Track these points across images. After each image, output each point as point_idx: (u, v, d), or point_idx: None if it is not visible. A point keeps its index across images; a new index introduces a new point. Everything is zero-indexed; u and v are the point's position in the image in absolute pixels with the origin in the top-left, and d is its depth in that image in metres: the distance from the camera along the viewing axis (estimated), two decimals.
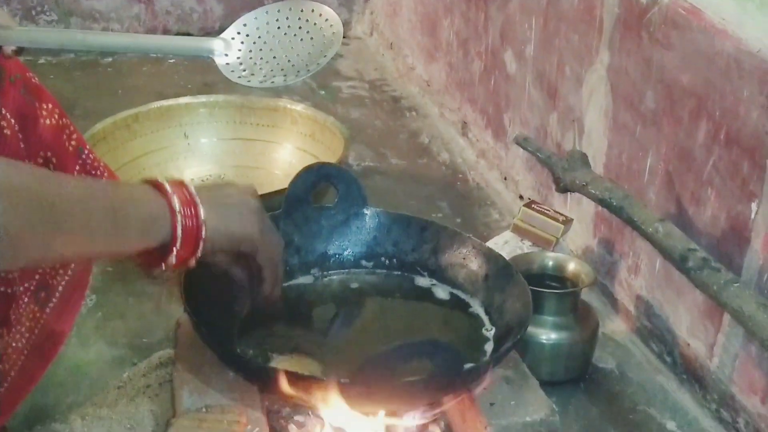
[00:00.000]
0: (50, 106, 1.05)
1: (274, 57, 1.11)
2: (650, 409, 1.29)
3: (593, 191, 1.21)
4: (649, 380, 1.35)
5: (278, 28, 1.13)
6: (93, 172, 1.10)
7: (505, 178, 1.90)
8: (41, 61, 2.42)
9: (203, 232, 0.92)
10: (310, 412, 1.05)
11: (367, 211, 1.28)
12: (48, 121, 1.04)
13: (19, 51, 1.02)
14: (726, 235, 1.20)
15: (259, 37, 1.12)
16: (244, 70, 1.10)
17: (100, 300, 1.46)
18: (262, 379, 1.03)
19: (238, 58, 1.10)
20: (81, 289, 1.12)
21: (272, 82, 1.11)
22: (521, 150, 1.81)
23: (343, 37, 1.16)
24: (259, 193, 1.50)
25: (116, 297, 1.48)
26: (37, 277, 1.05)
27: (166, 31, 2.68)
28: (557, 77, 1.63)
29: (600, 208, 1.51)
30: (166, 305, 1.46)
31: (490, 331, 1.15)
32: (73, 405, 1.23)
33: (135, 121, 1.81)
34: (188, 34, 2.72)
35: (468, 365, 0.99)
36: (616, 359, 1.39)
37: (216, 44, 1.10)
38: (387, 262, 1.27)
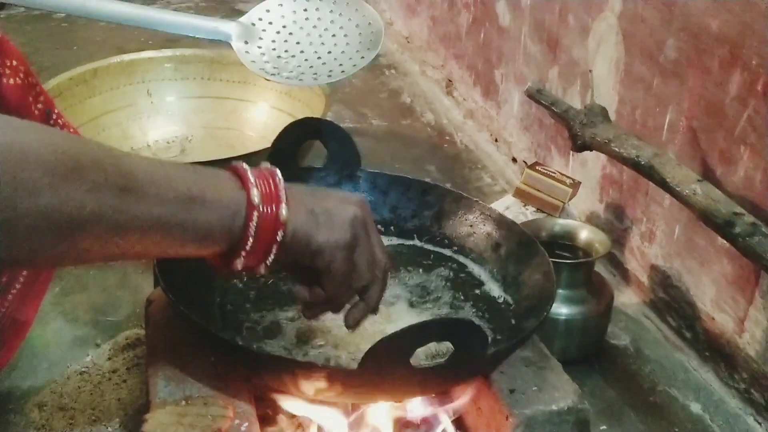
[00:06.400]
0: (14, 62, 0.91)
1: (302, 51, 0.99)
2: (671, 390, 1.18)
3: (617, 149, 1.07)
4: (667, 358, 1.24)
5: (307, 19, 1.01)
6: None
7: (497, 140, 1.76)
8: None
9: (279, 235, 0.74)
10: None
11: (361, 173, 1.14)
12: (12, 81, 0.90)
13: (1, 6, 0.88)
14: (762, 197, 1.07)
15: (284, 26, 1.00)
16: (267, 62, 0.97)
17: (58, 272, 1.31)
18: (255, 367, 0.88)
19: (260, 47, 0.98)
20: (47, 272, 0.98)
21: (300, 79, 0.97)
22: (514, 109, 1.69)
23: None
24: (233, 155, 1.37)
25: (76, 268, 1.34)
26: None
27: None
28: (559, 27, 1.50)
29: (608, 169, 1.39)
30: (132, 277, 1.32)
31: (508, 307, 1.01)
32: (29, 392, 1.09)
33: (94, 77, 1.66)
34: None
35: (493, 348, 0.85)
36: (629, 335, 1.28)
37: (234, 28, 0.98)
38: (384, 229, 1.13)
